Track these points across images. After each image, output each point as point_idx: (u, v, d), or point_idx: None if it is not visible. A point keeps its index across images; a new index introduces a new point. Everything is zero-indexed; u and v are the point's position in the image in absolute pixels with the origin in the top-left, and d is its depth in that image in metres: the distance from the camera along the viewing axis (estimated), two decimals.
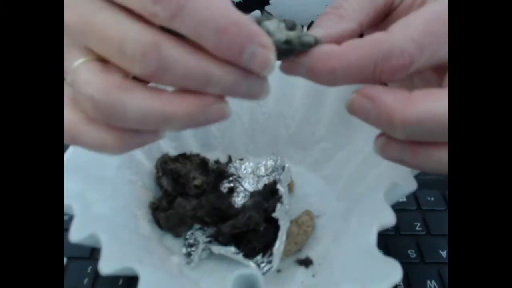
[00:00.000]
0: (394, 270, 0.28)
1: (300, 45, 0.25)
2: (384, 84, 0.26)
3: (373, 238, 0.31)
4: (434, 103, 0.24)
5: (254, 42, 0.22)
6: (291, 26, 0.26)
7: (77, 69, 0.24)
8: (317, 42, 0.26)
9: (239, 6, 0.60)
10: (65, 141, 0.25)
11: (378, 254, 0.30)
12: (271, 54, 0.23)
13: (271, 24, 0.25)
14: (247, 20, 0.23)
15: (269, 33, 0.24)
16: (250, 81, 0.24)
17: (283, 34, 0.25)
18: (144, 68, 0.22)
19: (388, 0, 0.30)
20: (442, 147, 0.26)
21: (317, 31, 0.27)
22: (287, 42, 0.25)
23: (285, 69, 0.27)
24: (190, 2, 0.22)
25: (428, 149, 0.26)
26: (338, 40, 0.26)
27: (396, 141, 0.27)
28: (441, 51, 0.25)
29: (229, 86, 0.24)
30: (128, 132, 0.25)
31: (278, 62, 0.26)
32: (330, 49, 0.25)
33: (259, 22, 0.25)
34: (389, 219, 0.31)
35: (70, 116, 0.25)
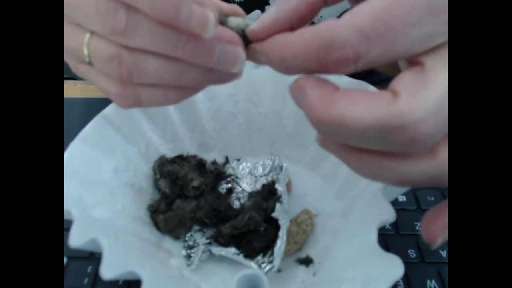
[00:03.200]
0: (395, 266, 0.28)
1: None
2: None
3: (373, 235, 0.31)
4: (349, 107, 0.22)
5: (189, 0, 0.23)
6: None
7: (91, 40, 0.26)
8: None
9: (239, 6, 0.60)
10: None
11: (379, 250, 0.30)
12: (209, 11, 0.23)
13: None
14: None
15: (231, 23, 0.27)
16: (223, 46, 0.25)
17: (247, 21, 0.27)
18: (116, 25, 0.24)
19: None
20: (371, 155, 0.24)
21: (271, 11, 0.26)
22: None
23: (248, 57, 0.27)
24: None
25: (358, 152, 0.25)
26: (295, 16, 0.26)
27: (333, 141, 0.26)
28: (399, 46, 0.22)
29: (200, 48, 0.25)
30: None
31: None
32: (280, 36, 0.25)
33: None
34: (389, 215, 0.32)
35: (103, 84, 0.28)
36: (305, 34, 0.23)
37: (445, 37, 0.22)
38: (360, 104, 0.22)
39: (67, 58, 0.29)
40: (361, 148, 0.24)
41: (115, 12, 0.24)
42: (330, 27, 0.22)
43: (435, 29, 0.22)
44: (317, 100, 0.23)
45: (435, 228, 0.26)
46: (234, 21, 0.27)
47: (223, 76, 0.27)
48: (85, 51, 0.27)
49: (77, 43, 0.27)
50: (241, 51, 0.26)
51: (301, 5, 0.26)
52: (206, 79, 0.27)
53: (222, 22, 0.27)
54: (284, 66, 0.25)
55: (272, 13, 0.26)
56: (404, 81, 0.23)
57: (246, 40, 0.26)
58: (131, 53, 0.26)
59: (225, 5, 0.28)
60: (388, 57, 0.22)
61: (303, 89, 0.24)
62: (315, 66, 0.23)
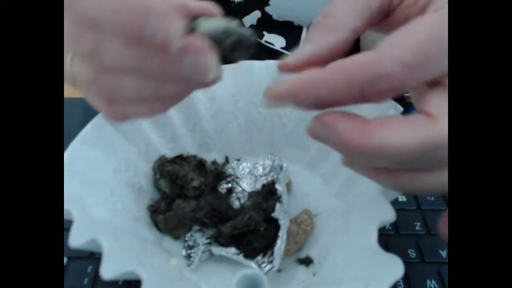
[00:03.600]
0: (395, 266, 0.28)
1: (238, 33, 0.26)
2: None
3: (373, 235, 0.31)
4: (389, 134, 0.23)
5: (152, 15, 0.23)
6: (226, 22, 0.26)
7: (72, 63, 0.27)
8: (251, 35, 0.26)
9: (239, 6, 0.60)
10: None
11: (379, 250, 0.30)
12: (175, 22, 0.23)
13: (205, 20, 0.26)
14: None
15: (202, 26, 0.26)
16: (190, 56, 0.25)
17: (218, 22, 0.25)
18: (85, 45, 0.25)
19: (384, 2, 0.28)
20: (404, 172, 0.25)
21: (306, 47, 0.26)
22: (226, 32, 0.25)
23: (270, 104, 0.26)
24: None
25: (389, 173, 0.26)
26: (329, 54, 0.26)
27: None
28: (433, 71, 0.24)
29: (168, 66, 0.25)
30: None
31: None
32: (313, 75, 0.24)
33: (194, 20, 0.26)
34: (389, 215, 0.32)
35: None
36: (345, 70, 0.23)
37: None
38: (400, 130, 0.23)
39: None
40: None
41: (81, 35, 0.25)
42: (373, 61, 0.23)
43: None
44: (353, 132, 0.23)
45: None
46: (205, 24, 0.26)
47: (201, 83, 0.27)
48: (68, 73, 0.28)
49: (65, 65, 0.28)
50: (210, 59, 0.25)
51: (337, 44, 0.26)
52: (185, 88, 0.27)
53: (192, 27, 0.26)
54: (318, 105, 0.24)
55: (308, 49, 0.26)
56: (434, 104, 0.24)
57: (222, 42, 0.26)
58: (106, 74, 0.26)
59: (194, 5, 0.27)
60: (424, 81, 0.24)
61: (332, 125, 0.24)
62: (356, 99, 0.24)
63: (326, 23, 0.27)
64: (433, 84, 0.25)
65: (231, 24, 0.26)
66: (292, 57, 0.26)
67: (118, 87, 0.26)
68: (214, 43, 0.25)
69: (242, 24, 0.26)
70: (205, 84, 0.27)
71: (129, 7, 0.23)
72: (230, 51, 0.26)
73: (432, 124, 0.23)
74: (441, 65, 0.24)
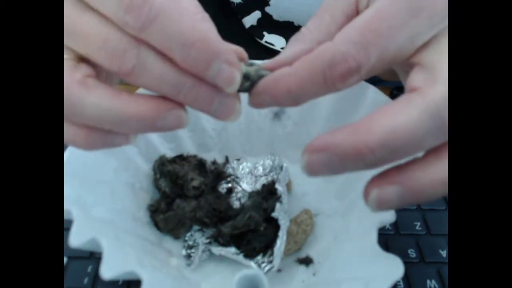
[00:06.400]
0: (395, 266, 0.28)
1: (258, 78, 0.27)
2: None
3: (373, 235, 0.31)
4: (392, 118, 0.23)
5: (221, 59, 0.23)
6: (250, 64, 0.27)
7: None
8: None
9: (239, 7, 0.60)
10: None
11: (379, 250, 0.30)
12: (237, 71, 0.24)
13: None
14: (215, 37, 0.24)
15: None
16: (222, 97, 0.25)
17: (242, 68, 0.26)
18: (123, 64, 0.24)
19: (349, 14, 0.29)
20: (423, 161, 0.24)
21: (289, 48, 0.28)
22: (246, 76, 0.26)
23: (253, 104, 0.27)
24: (160, 16, 0.23)
25: (416, 169, 0.24)
26: (293, 61, 0.27)
27: (388, 183, 0.24)
28: (391, 49, 0.24)
29: (201, 97, 0.25)
30: (95, 131, 0.26)
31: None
32: (281, 71, 0.26)
33: None
34: (389, 215, 0.32)
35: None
36: (306, 60, 0.25)
37: (428, 35, 0.25)
38: (399, 111, 0.23)
39: None
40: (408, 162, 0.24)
41: (125, 51, 0.24)
42: (327, 46, 0.25)
43: (418, 28, 0.24)
44: (355, 134, 0.23)
45: None
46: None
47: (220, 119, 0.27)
48: None
49: None
50: (237, 105, 0.26)
51: (300, 52, 0.28)
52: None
53: None
54: (292, 98, 0.26)
55: (274, 59, 0.28)
56: (418, 79, 0.24)
57: (247, 85, 0.27)
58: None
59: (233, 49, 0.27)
60: (385, 61, 0.25)
61: (329, 144, 0.23)
62: (323, 86, 0.25)
63: (294, 38, 0.29)
64: (410, 67, 0.26)
65: (251, 68, 0.27)
66: (271, 60, 0.28)
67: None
68: None
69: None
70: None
71: (204, 44, 0.23)
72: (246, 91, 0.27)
73: (422, 93, 0.23)
74: (396, 40, 0.24)
